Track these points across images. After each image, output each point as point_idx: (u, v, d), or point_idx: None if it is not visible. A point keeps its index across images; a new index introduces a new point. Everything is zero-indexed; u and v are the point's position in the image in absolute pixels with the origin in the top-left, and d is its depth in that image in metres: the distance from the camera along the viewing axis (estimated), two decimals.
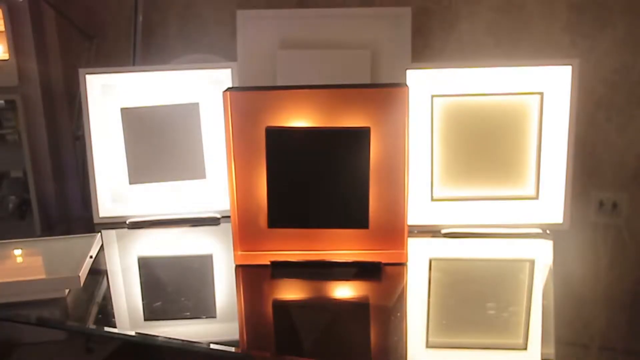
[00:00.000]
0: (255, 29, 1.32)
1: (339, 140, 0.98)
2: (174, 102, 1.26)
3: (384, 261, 1.01)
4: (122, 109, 1.26)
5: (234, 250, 1.03)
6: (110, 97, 1.26)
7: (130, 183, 1.27)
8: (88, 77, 1.25)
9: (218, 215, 1.27)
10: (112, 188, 1.27)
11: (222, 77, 1.26)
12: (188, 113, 1.26)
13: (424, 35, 1.35)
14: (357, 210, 0.99)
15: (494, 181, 1.13)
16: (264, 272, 1.01)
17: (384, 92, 0.98)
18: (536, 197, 1.13)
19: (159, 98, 1.26)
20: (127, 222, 1.26)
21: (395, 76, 1.20)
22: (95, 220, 1.28)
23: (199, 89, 1.26)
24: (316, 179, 0.99)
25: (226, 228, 1.23)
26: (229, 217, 1.03)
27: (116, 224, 1.27)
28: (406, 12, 1.27)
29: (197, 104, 1.26)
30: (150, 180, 1.27)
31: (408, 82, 1.10)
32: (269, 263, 1.02)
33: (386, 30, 1.29)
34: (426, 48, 1.36)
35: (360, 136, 0.97)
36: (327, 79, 1.26)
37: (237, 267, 1.03)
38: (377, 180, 0.99)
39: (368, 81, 1.28)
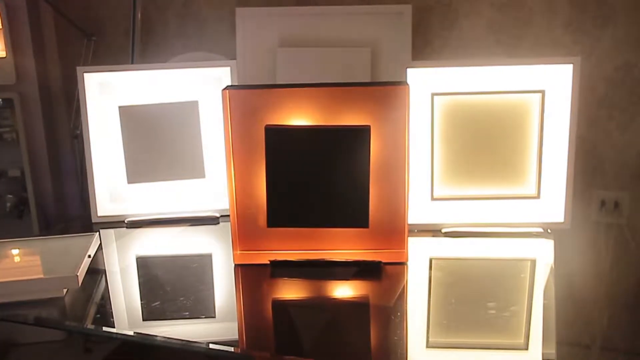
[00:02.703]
0: (255, 26, 1.31)
1: (339, 138, 0.97)
2: (172, 100, 1.25)
3: (384, 260, 1.00)
4: (121, 107, 1.25)
5: (233, 249, 1.02)
6: (109, 95, 1.25)
7: (129, 182, 1.26)
8: (86, 75, 1.24)
9: (217, 215, 1.27)
10: (111, 187, 1.27)
11: (221, 75, 1.25)
12: (187, 111, 1.25)
13: (424, 33, 1.35)
14: (357, 209, 0.99)
15: (495, 180, 1.13)
16: (264, 272, 1.00)
17: (384, 90, 0.97)
18: (537, 196, 1.12)
19: (158, 96, 1.25)
20: (126, 222, 1.26)
21: (395, 74, 1.20)
22: (94, 220, 1.27)
23: (198, 87, 1.25)
24: (316, 178, 0.98)
25: (225, 227, 1.22)
26: (228, 216, 1.02)
27: (114, 223, 1.26)
28: (407, 9, 1.27)
29: (196, 102, 1.25)
30: (148, 180, 1.27)
31: (408, 80, 1.10)
32: (268, 262, 1.01)
33: (386, 28, 1.28)
34: (427, 46, 1.35)
35: (360, 135, 0.97)
36: (327, 77, 1.25)
37: (237, 266, 1.02)
38: (377, 179, 0.99)
39: (368, 79, 1.27)
